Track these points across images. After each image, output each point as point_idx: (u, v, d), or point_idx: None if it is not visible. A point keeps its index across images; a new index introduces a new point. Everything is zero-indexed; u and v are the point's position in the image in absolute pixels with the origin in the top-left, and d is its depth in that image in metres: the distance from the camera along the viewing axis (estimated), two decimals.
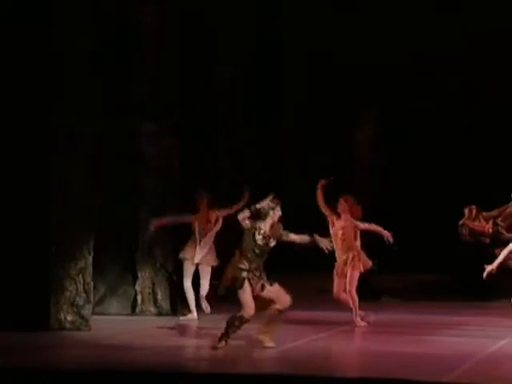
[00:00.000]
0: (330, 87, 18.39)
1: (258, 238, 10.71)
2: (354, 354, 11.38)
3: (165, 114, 14.12)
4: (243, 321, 10.67)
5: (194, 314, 13.79)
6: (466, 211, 16.24)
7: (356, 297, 13.06)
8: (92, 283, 12.50)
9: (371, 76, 18.30)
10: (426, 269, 16.82)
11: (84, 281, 12.36)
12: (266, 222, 10.75)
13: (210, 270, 13.80)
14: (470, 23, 18.27)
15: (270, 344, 10.88)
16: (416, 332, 12.69)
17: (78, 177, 12.41)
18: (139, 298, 14.18)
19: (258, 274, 10.71)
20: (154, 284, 14.17)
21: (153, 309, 14.14)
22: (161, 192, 14.19)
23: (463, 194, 16.73)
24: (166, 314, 14.01)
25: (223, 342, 10.76)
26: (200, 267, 13.82)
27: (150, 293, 14.18)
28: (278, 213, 10.84)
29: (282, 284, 10.90)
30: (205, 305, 13.64)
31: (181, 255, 13.92)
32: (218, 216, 13.83)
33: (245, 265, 10.66)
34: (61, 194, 12.32)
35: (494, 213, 15.86)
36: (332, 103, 18.45)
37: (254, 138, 17.58)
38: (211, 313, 13.49)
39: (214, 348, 10.77)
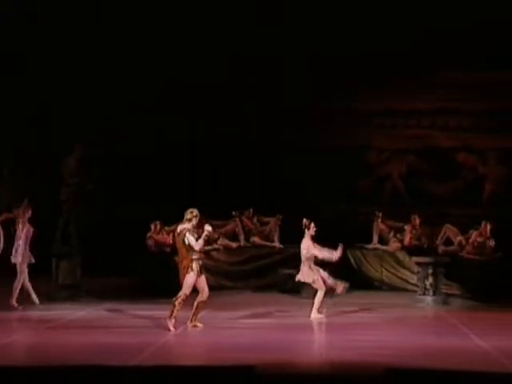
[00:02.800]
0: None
1: None
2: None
3: None
4: None
5: None
6: (152, 226, 16.94)
7: None
8: None
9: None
10: (121, 273, 17.07)
11: None
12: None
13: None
14: None
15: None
16: (106, 325, 12.91)
17: None
18: None
19: None
20: None
21: None
22: None
23: (151, 212, 17.23)
24: None
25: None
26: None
27: None
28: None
29: None
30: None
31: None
32: None
33: None
34: None
35: (174, 227, 16.40)
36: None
37: None
38: None
39: None
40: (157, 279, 15.88)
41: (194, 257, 12.47)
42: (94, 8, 18.26)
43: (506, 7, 17.98)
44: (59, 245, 16.35)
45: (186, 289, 12.44)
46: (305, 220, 13.81)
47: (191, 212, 12.55)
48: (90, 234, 16.98)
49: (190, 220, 12.50)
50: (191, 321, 12.72)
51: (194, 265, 12.43)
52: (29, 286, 14.67)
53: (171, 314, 12.39)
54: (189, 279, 12.41)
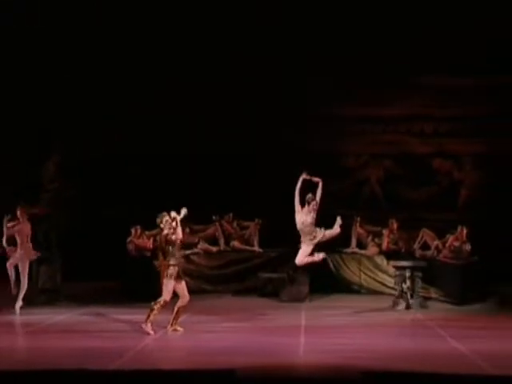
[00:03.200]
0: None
1: None
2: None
3: None
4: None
5: None
6: (133, 230, 16.89)
7: None
8: None
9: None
10: (101, 277, 17.08)
11: None
12: None
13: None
14: None
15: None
16: (86, 329, 12.89)
17: None
18: None
19: None
20: None
21: None
22: None
23: (131, 216, 17.16)
24: None
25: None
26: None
27: None
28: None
29: None
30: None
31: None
32: None
33: None
34: None
35: (154, 232, 16.42)
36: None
37: None
38: None
39: None
40: (137, 284, 15.81)
41: (171, 262, 12.48)
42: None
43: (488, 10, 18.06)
44: (39, 249, 15.88)
45: (165, 295, 12.45)
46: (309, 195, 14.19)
47: (158, 217, 12.61)
48: (69, 238, 16.96)
49: (161, 226, 12.52)
50: (171, 325, 12.69)
51: (170, 271, 12.44)
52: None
53: (147, 318, 12.36)
54: (168, 285, 12.42)
